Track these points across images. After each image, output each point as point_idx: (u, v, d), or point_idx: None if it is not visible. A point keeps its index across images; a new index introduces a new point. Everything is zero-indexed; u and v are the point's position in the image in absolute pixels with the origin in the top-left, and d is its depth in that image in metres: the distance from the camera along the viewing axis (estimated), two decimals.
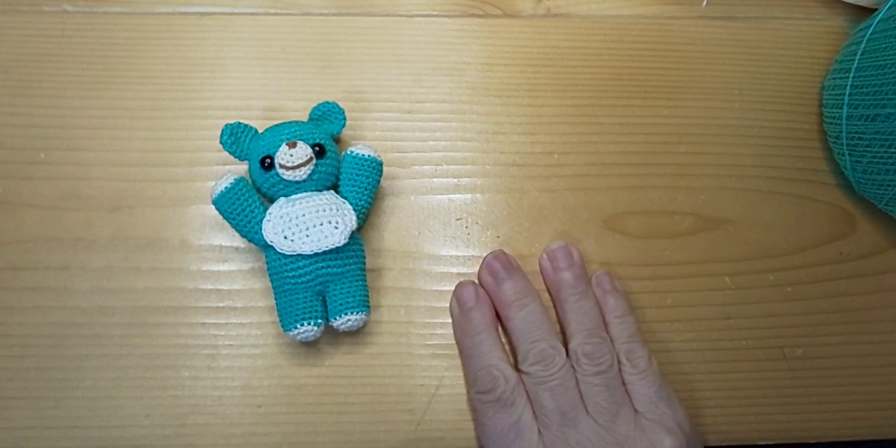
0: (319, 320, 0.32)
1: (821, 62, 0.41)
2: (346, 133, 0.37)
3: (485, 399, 0.32)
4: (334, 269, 0.32)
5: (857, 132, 0.35)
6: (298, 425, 0.33)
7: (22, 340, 0.34)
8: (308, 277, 0.32)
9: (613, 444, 0.30)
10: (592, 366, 0.32)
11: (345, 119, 0.35)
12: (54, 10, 0.38)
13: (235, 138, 0.33)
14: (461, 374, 0.34)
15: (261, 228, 0.32)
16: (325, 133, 0.34)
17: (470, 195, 0.37)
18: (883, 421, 0.35)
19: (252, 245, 0.35)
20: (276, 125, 0.33)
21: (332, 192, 0.33)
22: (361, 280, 0.33)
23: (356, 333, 0.35)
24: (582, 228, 0.37)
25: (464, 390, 0.34)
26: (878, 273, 0.37)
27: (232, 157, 0.34)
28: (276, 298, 0.33)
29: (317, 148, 0.32)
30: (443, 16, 0.40)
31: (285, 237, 0.31)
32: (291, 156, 0.32)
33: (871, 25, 0.35)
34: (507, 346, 0.34)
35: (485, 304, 0.34)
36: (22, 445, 0.32)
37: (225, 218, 0.33)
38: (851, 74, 0.35)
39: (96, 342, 0.34)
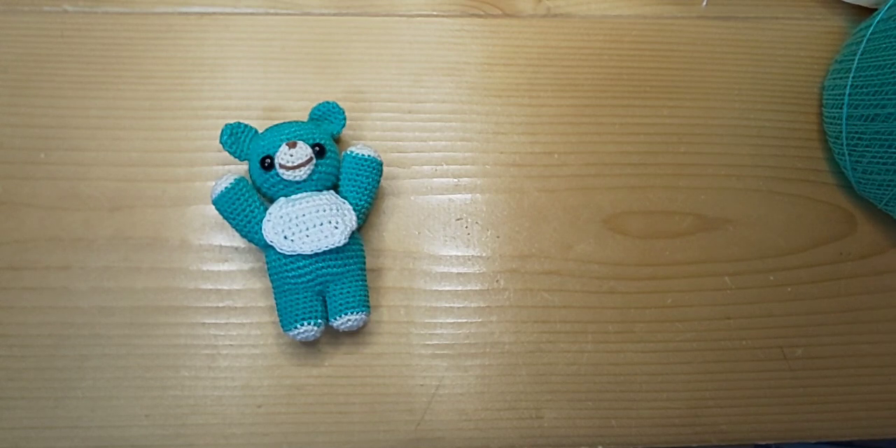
0: (319, 320, 0.32)
1: (821, 62, 0.41)
2: (346, 133, 0.37)
3: None
4: (334, 269, 0.32)
5: (857, 132, 0.35)
6: (298, 425, 0.33)
7: (22, 340, 0.34)
8: (308, 277, 0.32)
9: None
10: None
11: (345, 119, 0.35)
12: (54, 10, 0.38)
13: (235, 138, 0.33)
14: (461, 374, 0.34)
15: (261, 228, 0.32)
16: (325, 133, 0.34)
17: (470, 195, 0.37)
18: (883, 421, 0.35)
19: (252, 245, 0.35)
20: (276, 125, 0.33)
21: (332, 192, 0.33)
22: (361, 280, 0.33)
23: (356, 333, 0.35)
24: (582, 228, 0.37)
25: (463, 390, 0.34)
26: (878, 273, 0.37)
27: (232, 157, 0.34)
28: (276, 298, 0.33)
29: (317, 148, 0.32)
30: (443, 16, 0.40)
31: (285, 237, 0.31)
32: (291, 156, 0.32)
33: (871, 25, 0.35)
34: None
35: None
36: (22, 445, 0.32)
37: (225, 218, 0.33)
38: (851, 74, 0.35)
39: (96, 342, 0.34)
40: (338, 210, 0.32)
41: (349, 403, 0.34)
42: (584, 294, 0.36)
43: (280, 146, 0.32)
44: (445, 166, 0.38)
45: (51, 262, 0.35)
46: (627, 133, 0.39)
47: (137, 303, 0.34)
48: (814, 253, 0.37)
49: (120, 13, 0.39)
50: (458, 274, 0.36)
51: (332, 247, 0.31)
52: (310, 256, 0.32)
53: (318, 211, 0.32)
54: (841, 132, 0.36)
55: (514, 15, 0.40)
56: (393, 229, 0.36)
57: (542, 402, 0.34)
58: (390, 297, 0.35)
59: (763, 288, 0.37)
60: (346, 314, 0.32)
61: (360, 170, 0.33)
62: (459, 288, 0.36)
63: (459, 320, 0.35)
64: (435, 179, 0.37)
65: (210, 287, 0.35)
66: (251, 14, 0.39)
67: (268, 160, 0.32)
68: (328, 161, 0.33)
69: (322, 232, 0.31)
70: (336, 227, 0.32)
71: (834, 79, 0.38)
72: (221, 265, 0.35)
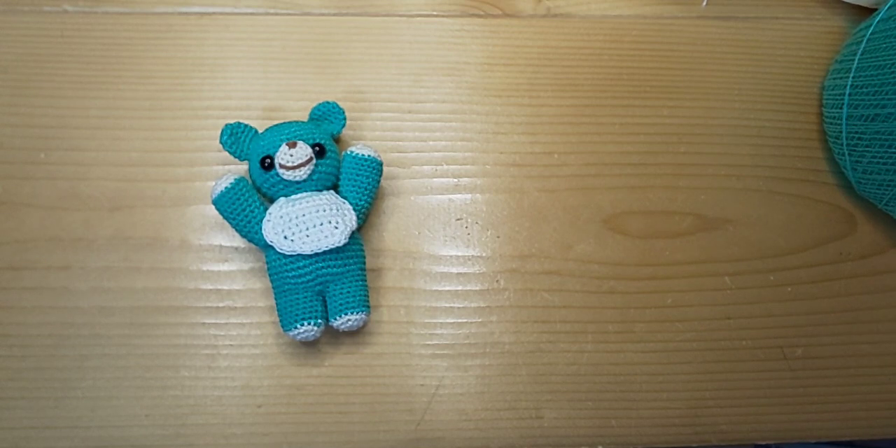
0: (319, 320, 0.32)
1: (821, 62, 0.41)
2: (346, 133, 0.37)
3: None
4: (334, 269, 0.32)
5: (857, 132, 0.35)
6: (298, 425, 0.33)
7: (22, 340, 0.34)
8: (308, 277, 0.32)
9: None
10: None
11: (345, 119, 0.35)
12: (54, 10, 0.38)
13: (235, 138, 0.33)
14: (461, 374, 0.34)
15: (261, 228, 0.32)
16: (325, 133, 0.34)
17: (470, 195, 0.37)
18: (883, 421, 0.35)
19: (252, 245, 0.35)
20: (276, 125, 0.33)
21: (332, 192, 0.33)
22: (361, 280, 0.33)
23: (356, 333, 0.35)
24: (582, 228, 0.37)
25: (463, 390, 0.34)
26: (878, 273, 0.37)
27: (232, 157, 0.34)
28: (276, 298, 0.33)
29: (317, 148, 0.32)
30: (443, 16, 0.40)
31: (285, 237, 0.31)
32: (291, 156, 0.32)
33: (871, 25, 0.35)
34: None
35: None
36: (22, 445, 0.32)
37: (225, 218, 0.33)
38: (851, 74, 0.35)
39: (96, 342, 0.34)
40: (338, 210, 0.32)
41: (349, 403, 0.34)
42: (584, 294, 0.36)
43: (280, 146, 0.32)
44: (445, 166, 0.38)
45: (51, 262, 0.35)
46: (627, 133, 0.39)
47: (137, 303, 0.34)
48: (814, 253, 0.37)
49: (120, 13, 0.39)
50: (458, 274, 0.36)
51: (332, 247, 0.31)
52: (310, 256, 0.32)
53: (318, 211, 0.32)
54: (841, 132, 0.36)
55: (514, 15, 0.40)
56: (393, 229, 0.36)
57: (542, 402, 0.34)
58: (390, 297, 0.35)
59: (763, 288, 0.37)
60: (346, 314, 0.32)
61: (360, 170, 0.33)
62: (459, 288, 0.36)
63: (459, 320, 0.35)
64: (435, 179, 0.37)
65: (210, 287, 0.35)
66: (251, 14, 0.39)
67: (268, 160, 0.32)
68: (328, 161, 0.33)
69: (322, 232, 0.31)
70: (336, 227, 0.32)
71: (834, 79, 0.38)
72: (221, 265, 0.35)
